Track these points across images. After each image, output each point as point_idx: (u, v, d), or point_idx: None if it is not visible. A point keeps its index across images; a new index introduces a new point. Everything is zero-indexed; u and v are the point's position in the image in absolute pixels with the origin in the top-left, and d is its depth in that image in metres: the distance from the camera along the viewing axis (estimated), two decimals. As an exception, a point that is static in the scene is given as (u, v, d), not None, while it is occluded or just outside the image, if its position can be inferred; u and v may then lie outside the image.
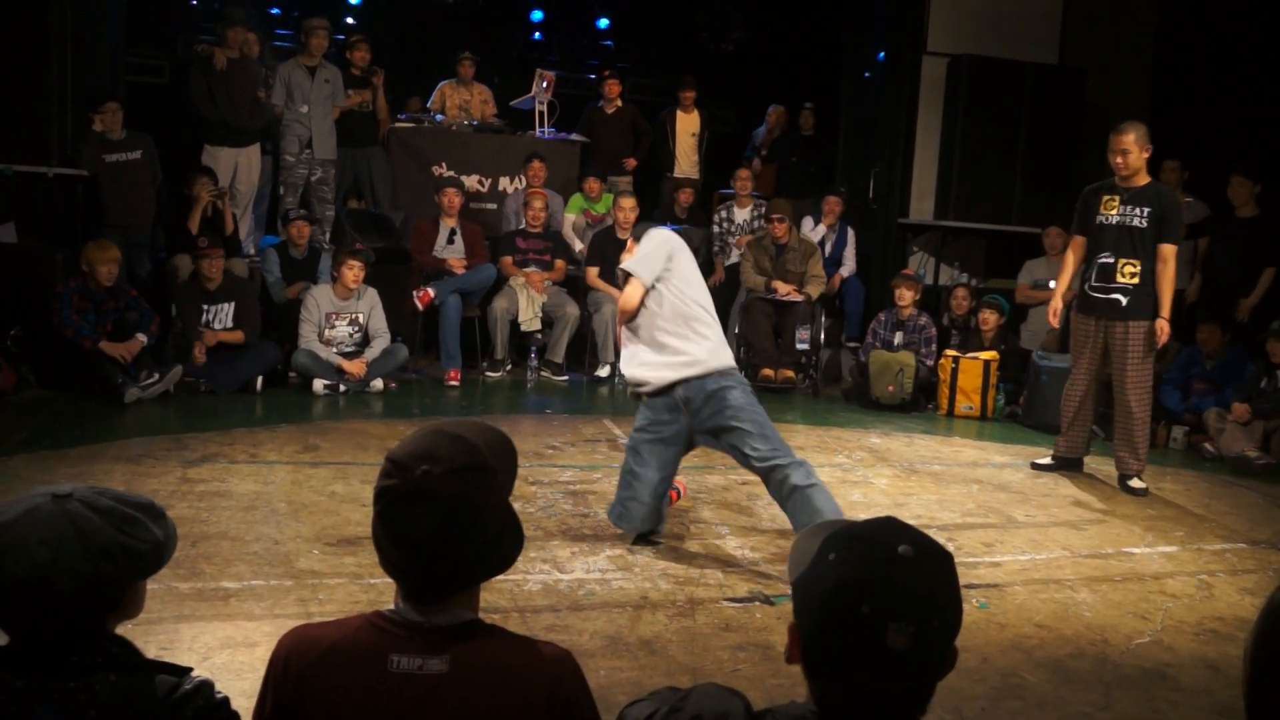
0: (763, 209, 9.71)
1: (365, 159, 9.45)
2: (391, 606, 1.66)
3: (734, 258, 9.52)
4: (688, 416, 4.39)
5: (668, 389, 4.40)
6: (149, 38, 10.20)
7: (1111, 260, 5.87)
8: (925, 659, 1.33)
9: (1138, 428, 5.95)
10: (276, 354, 7.52)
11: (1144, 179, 5.88)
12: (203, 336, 7.21)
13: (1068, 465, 6.35)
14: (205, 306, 7.33)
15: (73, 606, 1.58)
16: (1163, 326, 5.79)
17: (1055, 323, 6.29)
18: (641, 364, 4.45)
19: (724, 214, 9.72)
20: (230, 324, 7.39)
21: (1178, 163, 8.41)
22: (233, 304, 7.41)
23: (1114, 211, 5.88)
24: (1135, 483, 5.99)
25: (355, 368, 7.41)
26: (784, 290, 8.53)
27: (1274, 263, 7.85)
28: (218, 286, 7.36)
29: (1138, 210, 5.82)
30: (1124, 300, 5.85)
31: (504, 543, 1.66)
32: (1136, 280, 5.81)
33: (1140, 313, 5.83)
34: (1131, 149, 5.78)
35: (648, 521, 4.51)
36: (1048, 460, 6.41)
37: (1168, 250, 5.80)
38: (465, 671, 1.60)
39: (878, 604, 1.30)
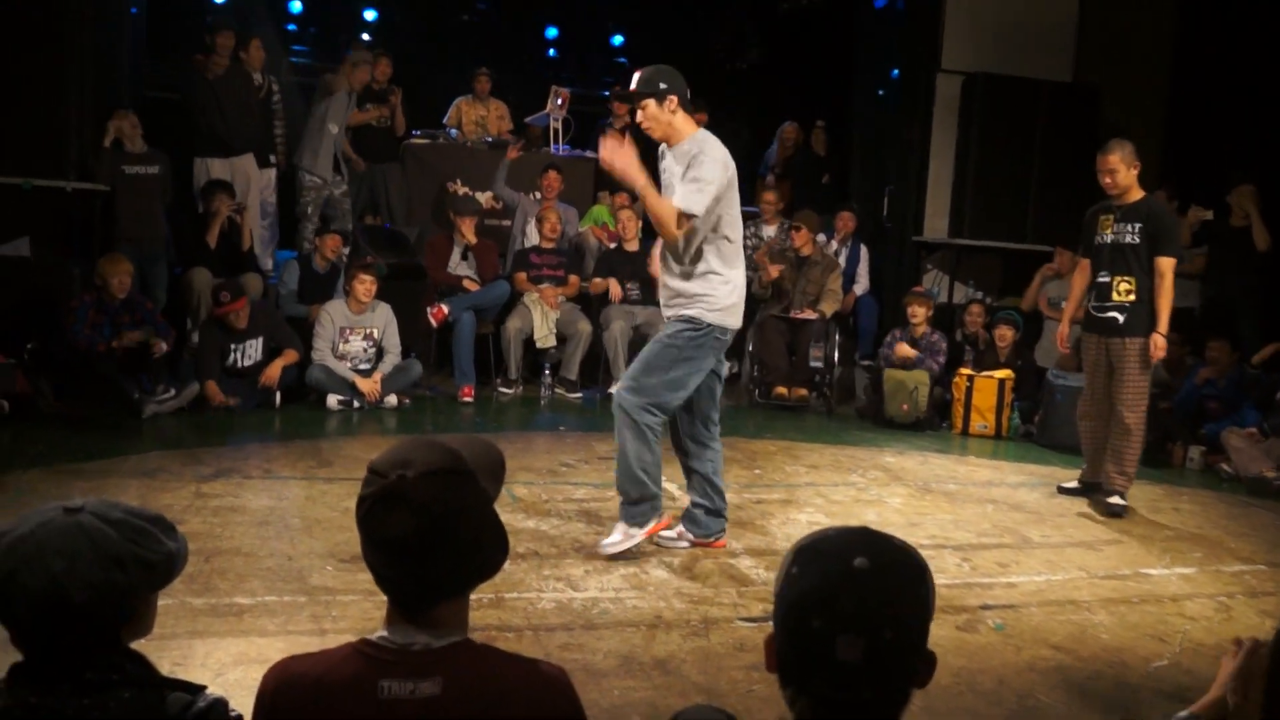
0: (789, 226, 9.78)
1: (383, 175, 9.50)
2: (378, 633, 1.64)
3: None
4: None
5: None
6: (168, 53, 10.27)
7: (1108, 279, 5.87)
8: (880, 671, 1.36)
9: (1130, 445, 5.85)
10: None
11: (1136, 195, 5.87)
12: (218, 378, 7.05)
13: (1094, 490, 6.19)
14: (233, 346, 7.18)
15: (87, 619, 1.58)
16: (1157, 341, 5.74)
17: (1065, 348, 6.41)
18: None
19: (751, 229, 9.73)
20: (260, 356, 7.28)
21: (1164, 193, 8.19)
22: (260, 338, 7.29)
23: (1109, 230, 5.90)
24: (1115, 500, 5.86)
25: (368, 386, 7.40)
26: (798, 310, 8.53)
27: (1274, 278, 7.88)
28: (245, 328, 7.22)
29: (1129, 227, 5.81)
30: (1121, 318, 5.81)
31: (485, 547, 1.64)
32: (1132, 297, 5.78)
33: (1137, 329, 5.78)
34: (1118, 168, 5.78)
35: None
36: (1074, 484, 6.31)
37: (1164, 264, 5.74)
38: (459, 693, 1.56)
39: (827, 618, 1.35)
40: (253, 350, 7.26)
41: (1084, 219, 6.17)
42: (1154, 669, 3.82)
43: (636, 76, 4.53)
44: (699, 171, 4.37)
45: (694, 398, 4.69)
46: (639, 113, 4.52)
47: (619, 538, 4.61)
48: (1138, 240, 5.78)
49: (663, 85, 4.46)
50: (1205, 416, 7.48)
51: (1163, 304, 5.73)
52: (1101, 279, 5.91)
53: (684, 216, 4.37)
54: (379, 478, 1.60)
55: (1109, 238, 5.89)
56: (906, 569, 1.42)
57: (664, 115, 4.48)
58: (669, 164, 4.59)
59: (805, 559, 1.43)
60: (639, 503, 4.59)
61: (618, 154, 4.37)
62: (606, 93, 11.39)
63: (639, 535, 4.63)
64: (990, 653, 3.84)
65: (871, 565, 1.37)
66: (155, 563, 1.66)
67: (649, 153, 4.81)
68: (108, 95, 8.01)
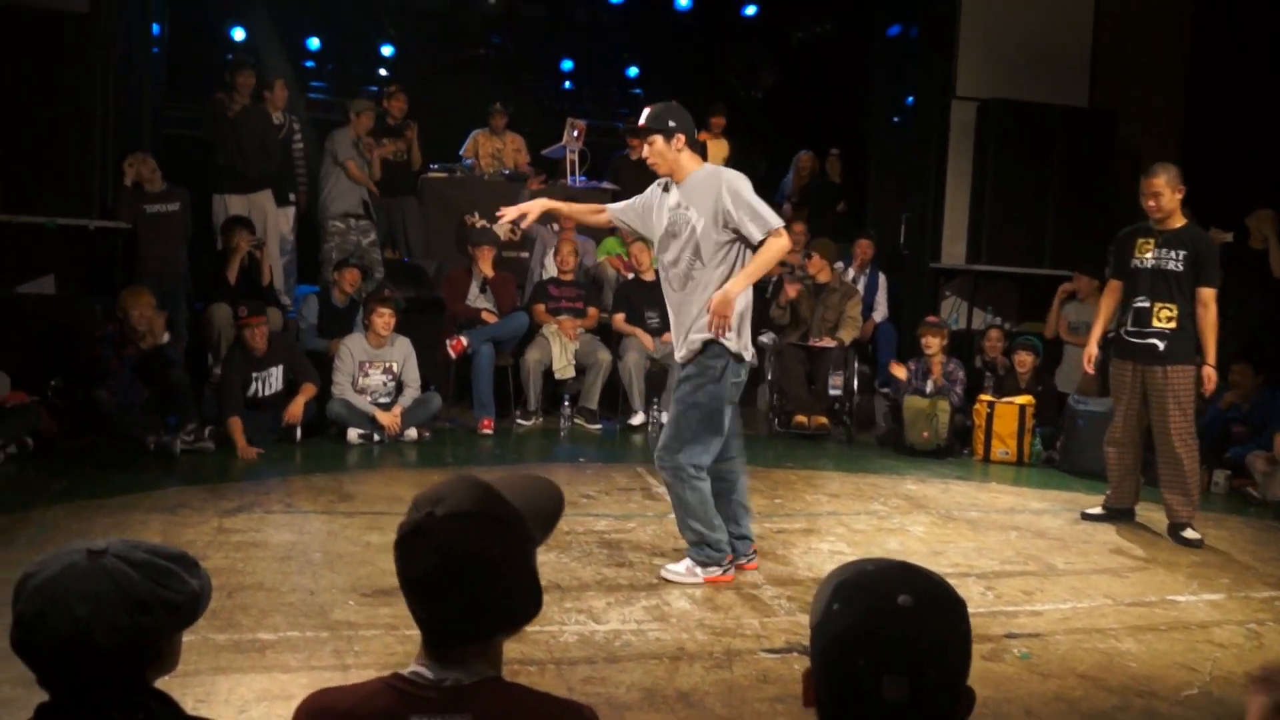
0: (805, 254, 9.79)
1: (400, 208, 9.57)
2: (411, 668, 1.64)
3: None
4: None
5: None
6: (188, 91, 10.41)
7: (1147, 304, 5.75)
8: (923, 710, 1.34)
9: (1187, 474, 5.77)
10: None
11: (1179, 221, 5.77)
12: (242, 411, 6.99)
13: (1119, 516, 6.17)
14: (254, 375, 7.18)
15: (112, 662, 1.58)
16: (1209, 374, 5.67)
17: (1091, 369, 6.25)
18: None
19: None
20: (280, 386, 7.29)
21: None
22: (281, 366, 7.29)
23: (1149, 255, 5.77)
24: (1189, 533, 5.79)
25: (389, 420, 7.41)
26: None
27: None
28: (264, 352, 7.21)
29: (1173, 253, 5.71)
30: (1161, 345, 5.72)
31: (512, 596, 1.62)
32: (1174, 324, 5.69)
33: (1179, 357, 5.71)
34: (1163, 191, 5.68)
35: None
36: (1098, 510, 6.24)
37: (1207, 294, 5.67)
38: None
39: (873, 657, 1.32)
40: (274, 380, 7.28)
41: (1116, 239, 6.06)
42: (1184, 698, 3.77)
43: (646, 112, 4.61)
44: (742, 198, 4.47)
45: None
46: (645, 147, 4.60)
47: (682, 570, 4.73)
48: (1181, 268, 5.68)
49: (671, 123, 4.54)
50: (1230, 440, 7.43)
51: (1209, 334, 5.66)
52: (1140, 304, 5.79)
53: (776, 233, 4.47)
54: (414, 512, 1.61)
55: (1149, 262, 5.77)
56: (948, 605, 1.39)
57: (670, 152, 4.57)
58: (676, 199, 4.62)
59: (846, 595, 1.39)
60: (702, 547, 4.70)
61: (725, 313, 4.45)
62: (622, 124, 11.48)
63: (699, 576, 4.71)
64: (1016, 682, 3.80)
65: (916, 602, 1.34)
66: (180, 603, 1.66)
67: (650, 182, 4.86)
68: (129, 135, 8.10)
